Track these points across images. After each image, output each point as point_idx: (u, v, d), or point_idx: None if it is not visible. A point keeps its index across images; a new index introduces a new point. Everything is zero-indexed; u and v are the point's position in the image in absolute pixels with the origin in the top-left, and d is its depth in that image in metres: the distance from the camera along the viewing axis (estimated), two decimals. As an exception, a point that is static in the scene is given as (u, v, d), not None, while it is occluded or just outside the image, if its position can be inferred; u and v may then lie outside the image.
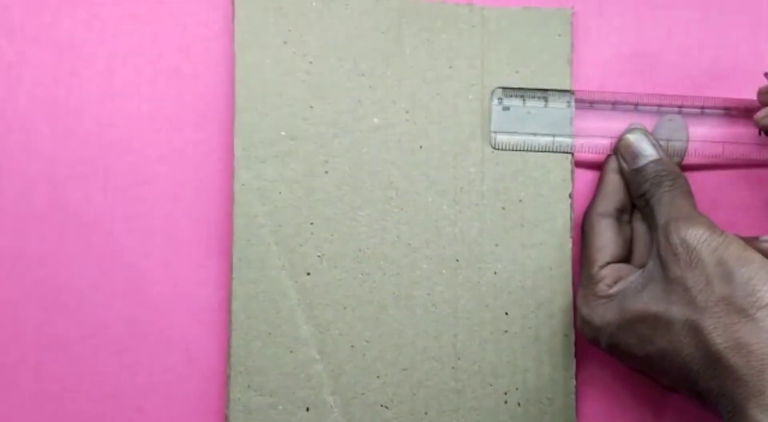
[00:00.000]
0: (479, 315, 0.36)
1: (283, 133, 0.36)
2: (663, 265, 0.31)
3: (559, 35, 0.37)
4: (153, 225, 0.36)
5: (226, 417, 0.35)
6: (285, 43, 0.35)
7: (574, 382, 0.36)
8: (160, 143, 0.36)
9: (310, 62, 0.36)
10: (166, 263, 0.36)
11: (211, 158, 0.36)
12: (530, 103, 0.37)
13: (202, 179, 0.36)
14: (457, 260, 0.37)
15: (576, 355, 0.37)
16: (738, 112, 0.37)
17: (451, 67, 0.37)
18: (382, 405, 0.35)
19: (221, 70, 0.36)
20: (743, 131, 0.37)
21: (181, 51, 0.36)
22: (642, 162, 0.35)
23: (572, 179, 0.37)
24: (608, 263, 0.34)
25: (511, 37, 0.37)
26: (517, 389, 0.36)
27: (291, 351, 0.35)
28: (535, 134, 0.37)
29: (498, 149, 0.36)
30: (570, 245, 0.37)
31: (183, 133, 0.36)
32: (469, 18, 0.37)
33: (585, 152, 0.37)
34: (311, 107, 0.36)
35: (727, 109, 0.37)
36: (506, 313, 0.37)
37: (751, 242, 0.32)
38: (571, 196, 0.37)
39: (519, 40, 0.37)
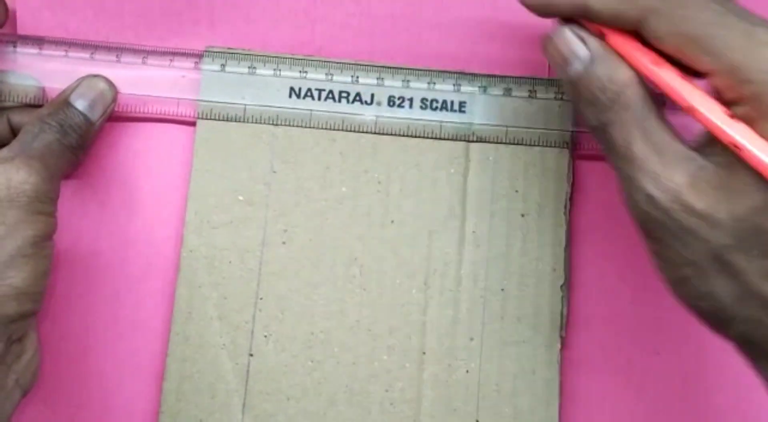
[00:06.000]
0: (445, 420, 0.31)
1: (240, 198, 0.33)
2: None
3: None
4: (97, 289, 0.33)
5: None
6: (253, 99, 0.33)
7: None
8: (113, 203, 0.34)
9: (276, 125, 0.33)
10: (109, 332, 0.33)
11: (165, 222, 0.33)
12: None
13: (153, 244, 0.33)
14: (424, 353, 0.32)
15: (559, 480, 0.31)
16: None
17: (433, 138, 0.33)
18: None
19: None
20: None
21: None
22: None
23: (566, 269, 0.32)
24: None
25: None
26: None
27: (222, 444, 0.31)
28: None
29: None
30: (559, 346, 0.32)
31: (138, 192, 0.34)
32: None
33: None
34: (274, 172, 0.33)
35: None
36: (477, 421, 0.31)
37: None
38: (563, 287, 0.32)
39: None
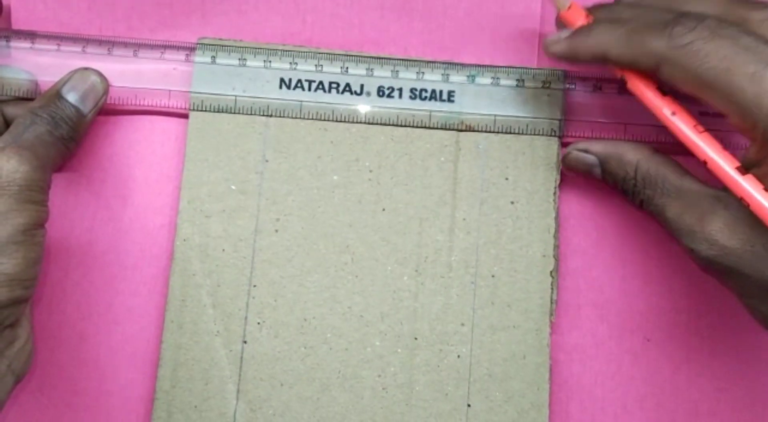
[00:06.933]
0: (437, 404, 0.32)
1: (233, 187, 0.33)
2: None
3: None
4: (93, 276, 0.33)
5: None
6: (244, 91, 0.33)
7: (546, 495, 0.31)
8: (107, 190, 0.34)
9: (268, 116, 0.33)
10: (104, 319, 0.33)
11: (159, 211, 0.34)
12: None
13: (147, 233, 0.33)
14: (416, 339, 0.32)
15: (549, 462, 0.31)
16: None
17: (422, 127, 0.34)
18: None
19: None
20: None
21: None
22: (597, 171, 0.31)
23: (555, 255, 0.33)
24: None
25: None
26: (476, 497, 0.31)
27: (216, 430, 0.31)
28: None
29: None
30: (549, 330, 0.32)
31: (132, 182, 0.34)
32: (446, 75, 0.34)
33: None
34: (266, 161, 0.33)
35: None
36: (468, 405, 0.32)
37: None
38: (552, 273, 0.33)
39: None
